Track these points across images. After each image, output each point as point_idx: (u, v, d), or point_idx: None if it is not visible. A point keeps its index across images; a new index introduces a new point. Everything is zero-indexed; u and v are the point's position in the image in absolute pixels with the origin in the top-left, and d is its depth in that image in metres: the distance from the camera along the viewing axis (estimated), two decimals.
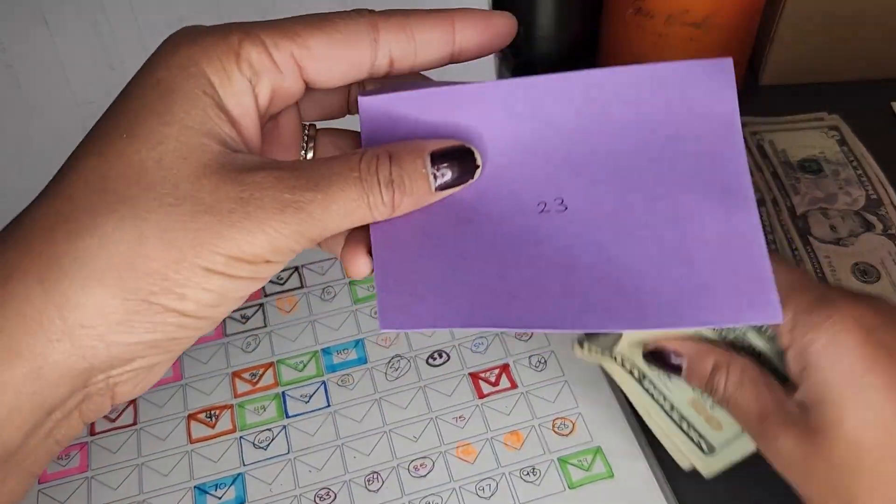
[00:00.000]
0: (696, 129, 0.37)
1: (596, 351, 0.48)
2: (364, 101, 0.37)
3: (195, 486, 0.52)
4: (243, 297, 0.34)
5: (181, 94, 0.32)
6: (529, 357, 0.57)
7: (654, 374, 0.47)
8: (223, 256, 0.32)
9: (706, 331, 0.45)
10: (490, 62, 0.67)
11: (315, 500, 0.51)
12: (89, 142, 0.33)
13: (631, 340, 0.47)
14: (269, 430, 0.55)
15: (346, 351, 0.58)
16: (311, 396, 0.56)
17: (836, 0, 0.73)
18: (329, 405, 0.56)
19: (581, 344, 0.49)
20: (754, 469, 0.53)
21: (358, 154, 0.34)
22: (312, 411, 0.55)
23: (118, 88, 0.59)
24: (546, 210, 0.37)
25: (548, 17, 0.77)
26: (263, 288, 0.61)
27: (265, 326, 0.60)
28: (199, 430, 0.55)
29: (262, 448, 0.54)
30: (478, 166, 0.36)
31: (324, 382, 0.57)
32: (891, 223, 0.66)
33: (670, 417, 0.48)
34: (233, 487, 0.52)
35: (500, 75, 0.72)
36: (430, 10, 0.36)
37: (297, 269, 0.63)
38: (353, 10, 0.35)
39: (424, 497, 0.51)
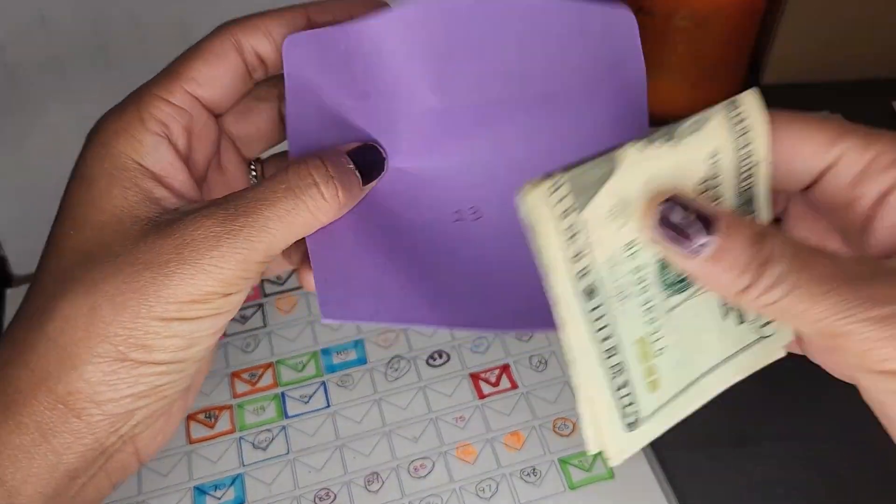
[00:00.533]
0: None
1: (563, 195, 0.29)
2: (287, 41, 0.38)
3: (194, 487, 0.52)
4: (216, 332, 0.37)
5: (104, 182, 0.36)
6: (530, 357, 0.57)
7: (611, 283, 0.31)
8: (174, 304, 0.34)
9: (728, 173, 0.33)
10: None
11: (315, 501, 0.51)
12: (48, 241, 0.37)
13: (617, 193, 0.31)
14: (269, 430, 0.54)
15: (345, 351, 0.58)
16: (310, 397, 0.56)
17: (837, 0, 0.73)
18: (329, 405, 0.55)
19: (549, 174, 0.29)
20: (756, 468, 0.53)
21: (284, 168, 0.36)
22: (312, 412, 0.55)
23: (117, 88, 0.59)
24: (461, 219, 0.39)
25: None
26: (263, 288, 0.61)
27: (264, 326, 0.60)
28: (198, 430, 0.55)
29: (261, 449, 0.54)
30: (384, 158, 0.39)
31: (323, 383, 0.56)
32: None
33: (605, 367, 0.32)
34: (232, 488, 0.52)
35: None
36: (289, 6, 0.39)
37: (295, 269, 0.63)
38: (218, 27, 0.39)
39: (424, 498, 0.51)
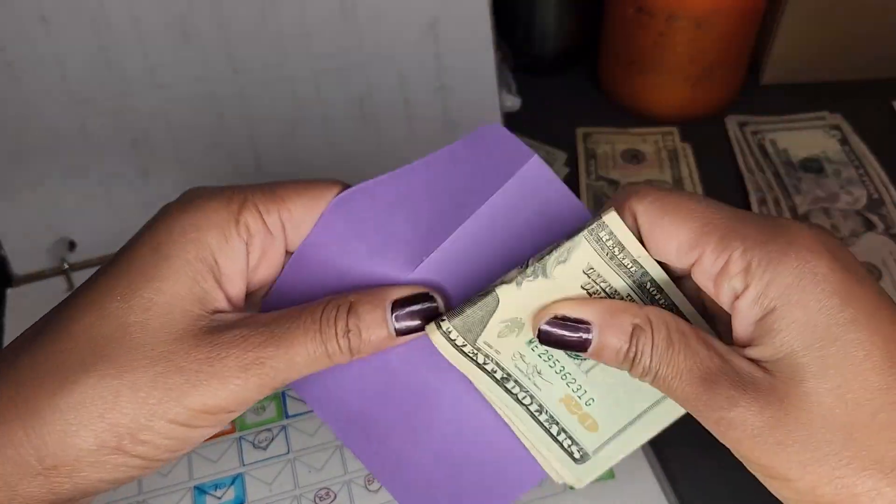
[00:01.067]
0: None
1: (455, 337, 0.37)
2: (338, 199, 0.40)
3: (195, 487, 0.52)
4: (200, 441, 0.37)
5: (177, 262, 0.35)
6: None
7: (522, 370, 0.38)
8: (188, 410, 0.34)
9: (608, 274, 0.37)
10: (490, 63, 0.67)
11: (315, 501, 0.51)
12: (85, 296, 0.36)
13: (505, 319, 0.37)
14: (269, 430, 0.54)
15: None
16: None
17: (837, 0, 0.73)
18: None
19: (439, 324, 0.37)
20: None
21: (320, 306, 0.36)
22: (313, 411, 0.55)
23: (117, 88, 0.60)
24: (444, 395, 0.40)
25: (548, 16, 0.77)
26: None
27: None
28: None
29: (261, 448, 0.54)
30: (440, 312, 0.37)
31: None
32: (892, 223, 0.66)
33: (538, 422, 0.39)
34: (232, 488, 0.52)
35: (501, 75, 0.72)
36: None
37: None
38: (331, 181, 0.39)
39: None
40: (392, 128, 0.67)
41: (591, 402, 0.39)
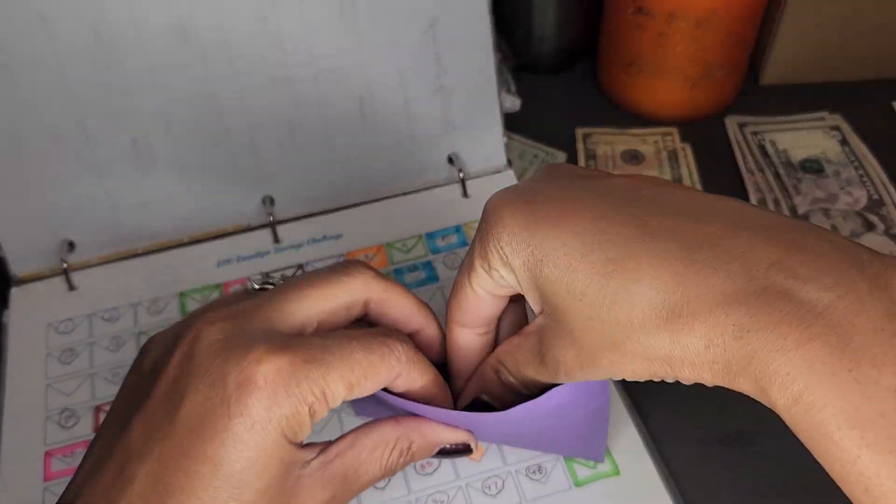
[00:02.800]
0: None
1: None
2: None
3: None
4: None
5: (275, 468, 0.37)
6: None
7: None
8: None
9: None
10: (490, 63, 0.67)
11: None
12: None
13: None
14: None
15: None
16: None
17: (837, 0, 0.73)
18: None
19: None
20: (756, 466, 0.53)
21: (389, 447, 0.43)
22: None
23: (117, 88, 0.60)
24: None
25: (548, 17, 0.77)
26: None
27: None
28: None
29: None
30: (472, 452, 0.46)
31: None
32: (892, 223, 0.67)
33: None
34: None
35: (501, 75, 0.72)
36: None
37: (300, 266, 0.63)
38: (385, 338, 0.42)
39: (431, 495, 0.51)
40: (392, 128, 0.67)
41: None
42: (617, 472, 0.52)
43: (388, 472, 0.43)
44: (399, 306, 0.45)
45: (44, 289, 0.64)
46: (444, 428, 0.45)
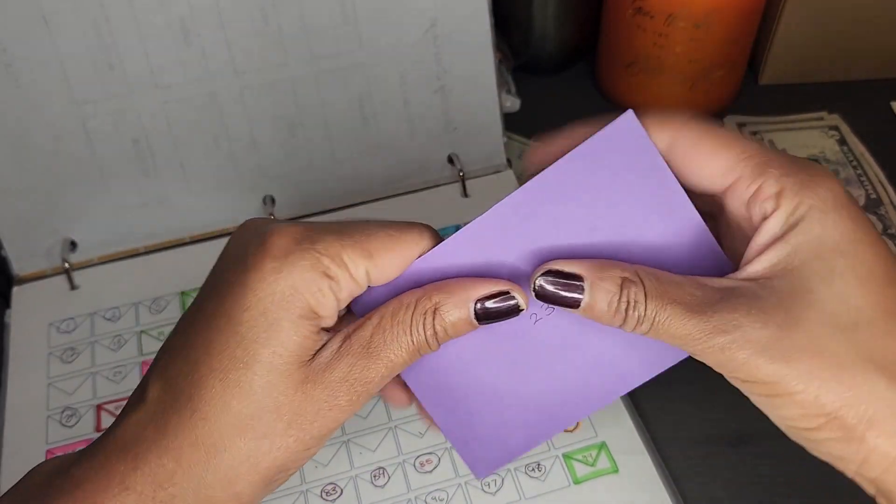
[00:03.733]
0: (636, 191, 0.39)
1: None
2: None
3: None
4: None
5: (285, 324, 0.37)
6: None
7: None
8: (312, 441, 0.38)
9: None
10: (490, 64, 0.67)
11: (322, 496, 0.51)
12: (209, 365, 0.37)
13: None
14: None
15: None
16: None
17: (836, 0, 0.73)
18: None
19: None
20: (756, 466, 0.53)
21: (409, 313, 0.39)
22: None
23: (118, 88, 0.60)
24: (538, 319, 0.41)
25: (548, 17, 0.77)
26: None
27: None
28: None
29: None
30: (521, 308, 0.39)
31: None
32: (890, 223, 0.67)
33: None
34: None
35: (501, 76, 0.73)
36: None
37: None
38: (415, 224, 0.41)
39: (430, 492, 0.51)
40: (392, 128, 0.68)
41: None
42: (615, 470, 0.52)
43: (418, 344, 0.39)
44: None
45: (45, 288, 0.64)
46: (473, 280, 0.40)
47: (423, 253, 0.40)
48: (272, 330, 0.37)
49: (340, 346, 0.38)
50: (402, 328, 0.39)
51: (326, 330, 0.39)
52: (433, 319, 0.39)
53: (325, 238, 0.38)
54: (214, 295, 0.39)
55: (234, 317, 0.37)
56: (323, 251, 0.38)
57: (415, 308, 0.39)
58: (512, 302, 0.39)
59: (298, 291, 0.37)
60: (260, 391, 0.37)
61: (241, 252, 0.39)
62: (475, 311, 0.39)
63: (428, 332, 0.39)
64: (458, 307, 0.39)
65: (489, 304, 0.39)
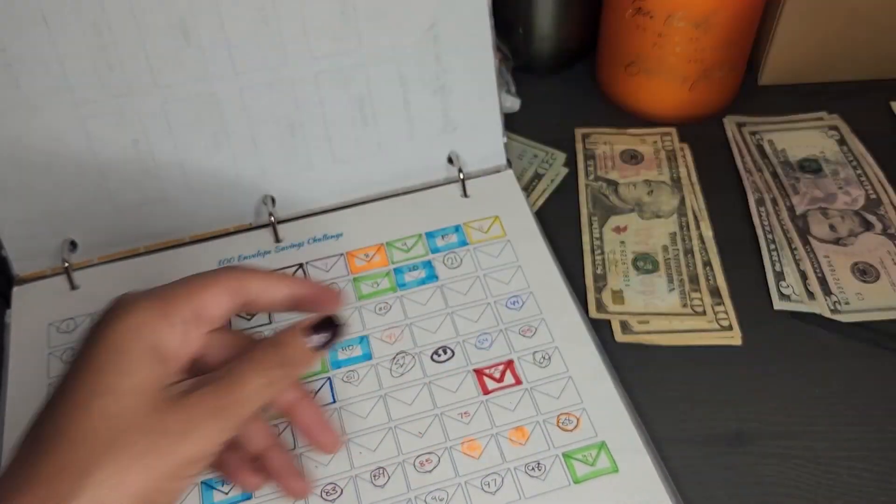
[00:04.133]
0: None
1: None
2: None
3: (202, 482, 0.52)
4: (186, 490, 0.49)
5: (133, 354, 0.43)
6: (534, 353, 0.57)
7: None
8: (184, 464, 0.42)
9: None
10: (490, 64, 0.67)
11: (321, 496, 0.51)
12: (62, 399, 0.42)
13: None
14: (275, 426, 0.54)
15: (350, 347, 0.58)
16: (316, 393, 0.56)
17: (836, 0, 0.73)
18: (335, 401, 0.55)
19: None
20: (755, 466, 0.53)
21: (257, 353, 0.46)
22: None
23: (118, 88, 0.60)
24: None
25: (548, 17, 0.77)
26: None
27: (270, 323, 0.60)
28: None
29: None
30: (343, 325, 0.48)
31: (329, 379, 0.57)
32: (890, 223, 0.67)
33: None
34: None
35: (501, 76, 0.73)
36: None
37: (301, 265, 0.63)
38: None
39: (430, 492, 0.51)
40: (392, 128, 0.68)
41: None
42: (615, 470, 0.52)
43: (271, 377, 0.45)
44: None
45: (45, 288, 0.64)
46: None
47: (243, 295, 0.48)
48: (124, 359, 0.43)
49: (197, 381, 0.44)
50: (248, 361, 0.45)
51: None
52: (276, 351, 0.46)
53: (162, 291, 0.46)
54: (71, 370, 0.43)
55: (89, 357, 0.43)
56: (159, 298, 0.45)
57: (259, 352, 0.46)
58: (337, 326, 0.48)
59: (142, 327, 0.44)
60: (117, 416, 0.41)
61: (98, 317, 0.45)
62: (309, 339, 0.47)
63: (273, 361, 0.46)
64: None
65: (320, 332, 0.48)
